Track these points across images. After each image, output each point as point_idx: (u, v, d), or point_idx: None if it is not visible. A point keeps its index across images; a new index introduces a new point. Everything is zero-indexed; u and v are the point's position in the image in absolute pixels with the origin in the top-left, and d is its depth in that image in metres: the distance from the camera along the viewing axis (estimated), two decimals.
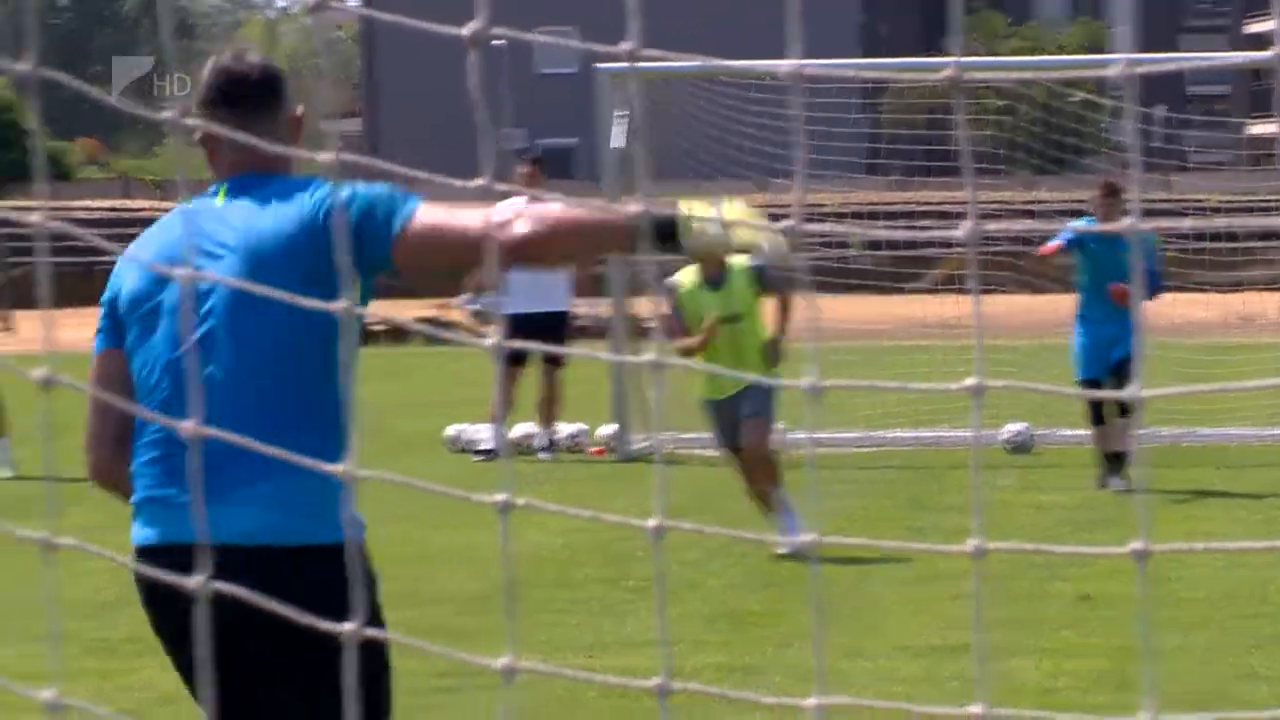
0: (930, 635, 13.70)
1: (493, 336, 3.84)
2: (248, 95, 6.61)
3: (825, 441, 22.00)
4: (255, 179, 6.47)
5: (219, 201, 6.46)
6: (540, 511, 4.06)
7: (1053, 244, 22.35)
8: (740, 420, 15.79)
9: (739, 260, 15.20)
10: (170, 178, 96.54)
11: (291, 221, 6.28)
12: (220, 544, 5.49)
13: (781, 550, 15.42)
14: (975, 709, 3.76)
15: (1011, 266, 30.77)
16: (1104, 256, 21.80)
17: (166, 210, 4.78)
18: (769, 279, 15.76)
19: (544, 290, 24.13)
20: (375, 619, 6.17)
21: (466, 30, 3.91)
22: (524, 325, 22.79)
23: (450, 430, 25.90)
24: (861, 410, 24.43)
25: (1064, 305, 22.49)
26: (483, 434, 25.00)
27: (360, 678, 4.88)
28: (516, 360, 23.93)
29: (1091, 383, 21.52)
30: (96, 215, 61.75)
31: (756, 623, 14.27)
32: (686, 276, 16.05)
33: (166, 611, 5.92)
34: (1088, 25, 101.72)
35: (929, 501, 20.48)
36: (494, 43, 4.03)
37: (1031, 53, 69.72)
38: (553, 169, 29.50)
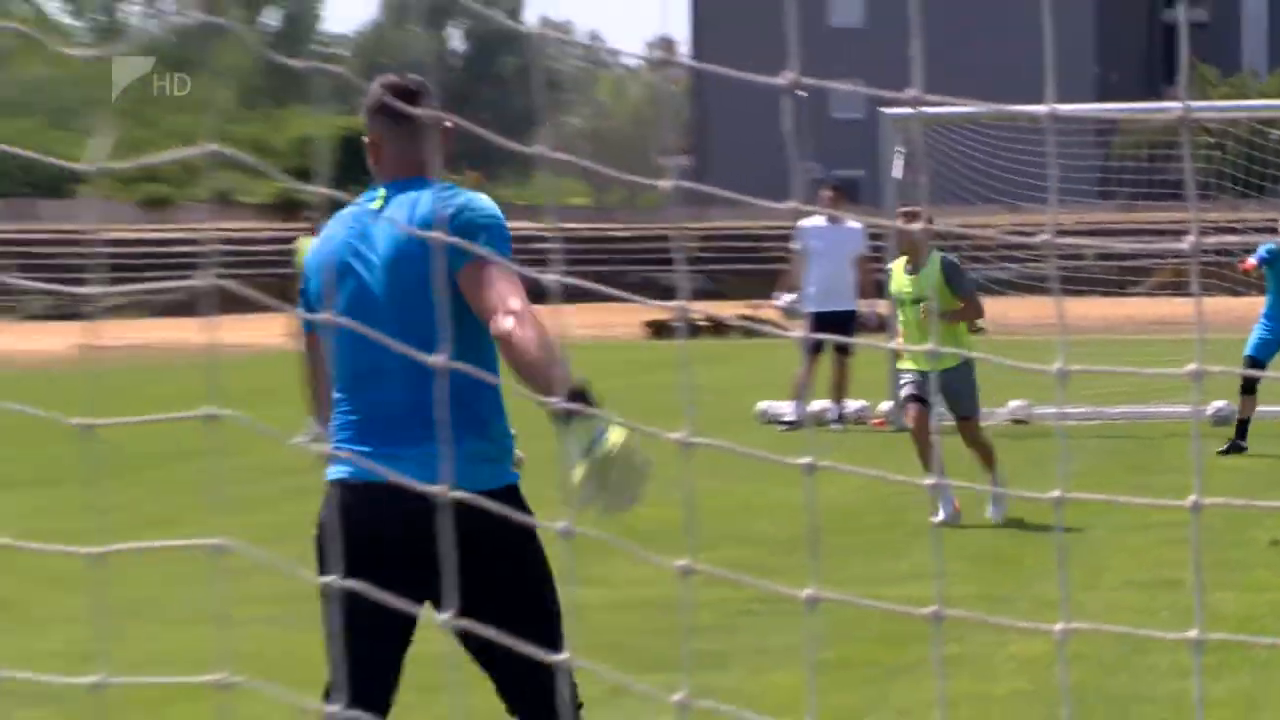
0: (1148, 573, 13.73)
1: (797, 330, 4.05)
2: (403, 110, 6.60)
3: (1065, 416, 21.99)
4: (410, 181, 6.57)
5: (378, 205, 6.55)
6: (836, 471, 4.33)
7: (1250, 260, 22.53)
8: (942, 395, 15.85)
9: (935, 254, 15.55)
10: (539, 203, 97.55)
11: (433, 222, 6.29)
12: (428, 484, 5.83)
13: (937, 519, 15.73)
14: (1191, 633, 4.02)
15: (1217, 275, 30.97)
16: None
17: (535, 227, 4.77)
18: (953, 278, 15.94)
19: (836, 293, 24.43)
20: (534, 540, 6.26)
21: (782, 79, 4.13)
22: (821, 321, 23.30)
23: (760, 406, 26.15)
24: (1089, 390, 24.30)
25: (1257, 305, 22.58)
26: (786, 409, 25.14)
27: (531, 577, 5.13)
28: (815, 349, 24.32)
29: (1253, 360, 21.75)
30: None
31: (1008, 561, 14.36)
32: (897, 264, 16.34)
33: (360, 530, 5.91)
34: None
35: (1148, 465, 20.59)
36: (797, 91, 4.23)
37: (1237, 98, 68.67)
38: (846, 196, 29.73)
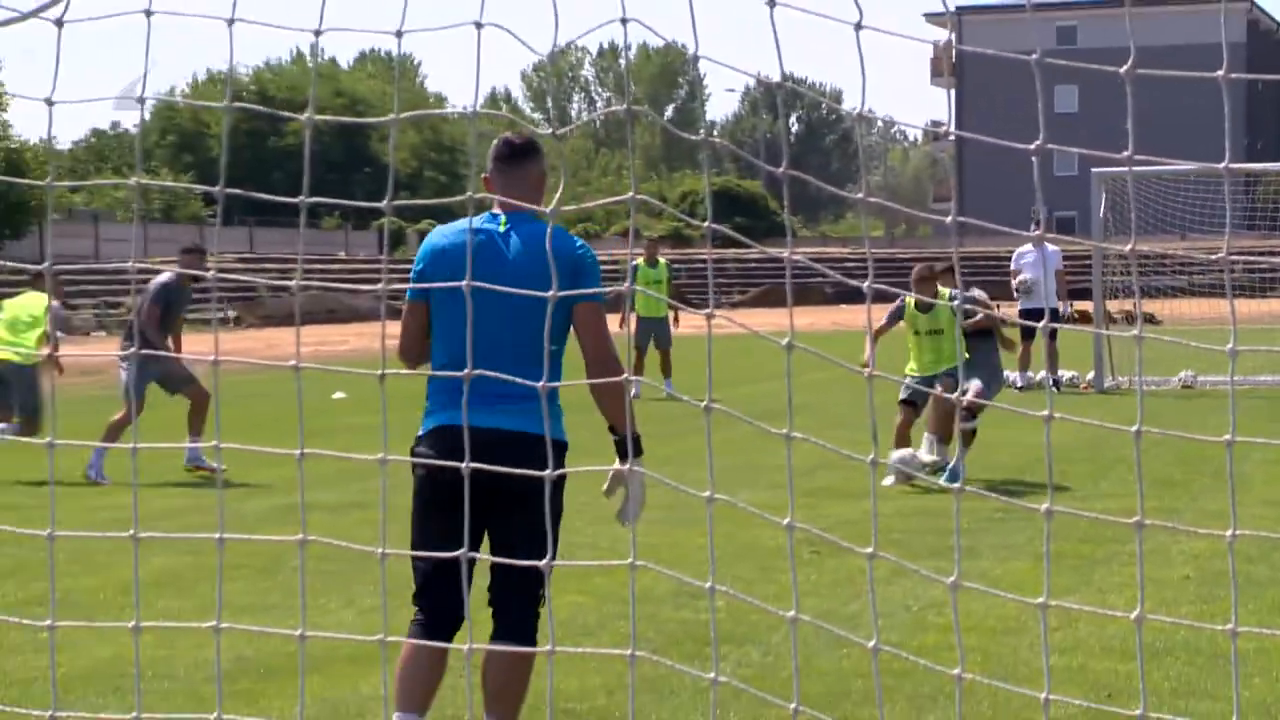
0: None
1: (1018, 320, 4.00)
2: (515, 157, 6.37)
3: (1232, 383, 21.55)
4: (523, 216, 6.24)
5: (503, 226, 6.23)
6: (1065, 420, 4.29)
7: None
8: (940, 384, 14.71)
9: (944, 292, 14.90)
10: (854, 234, 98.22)
11: (561, 252, 5.82)
12: (495, 428, 5.83)
13: (888, 481, 14.52)
14: None
15: None
16: None
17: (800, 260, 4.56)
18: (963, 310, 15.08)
19: (1044, 294, 24.09)
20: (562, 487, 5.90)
21: (1030, 147, 4.11)
22: (1034, 314, 22.97)
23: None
24: (1241, 364, 24.01)
25: None
26: (1015, 377, 24.81)
27: (554, 505, 5.06)
28: (1029, 334, 24.22)
29: None
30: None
31: (1176, 485, 14.09)
32: (910, 300, 15.40)
33: (451, 468, 5.46)
34: None
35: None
36: (1035, 156, 4.19)
37: None
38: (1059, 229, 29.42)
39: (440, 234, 6.52)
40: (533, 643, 6.28)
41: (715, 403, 4.39)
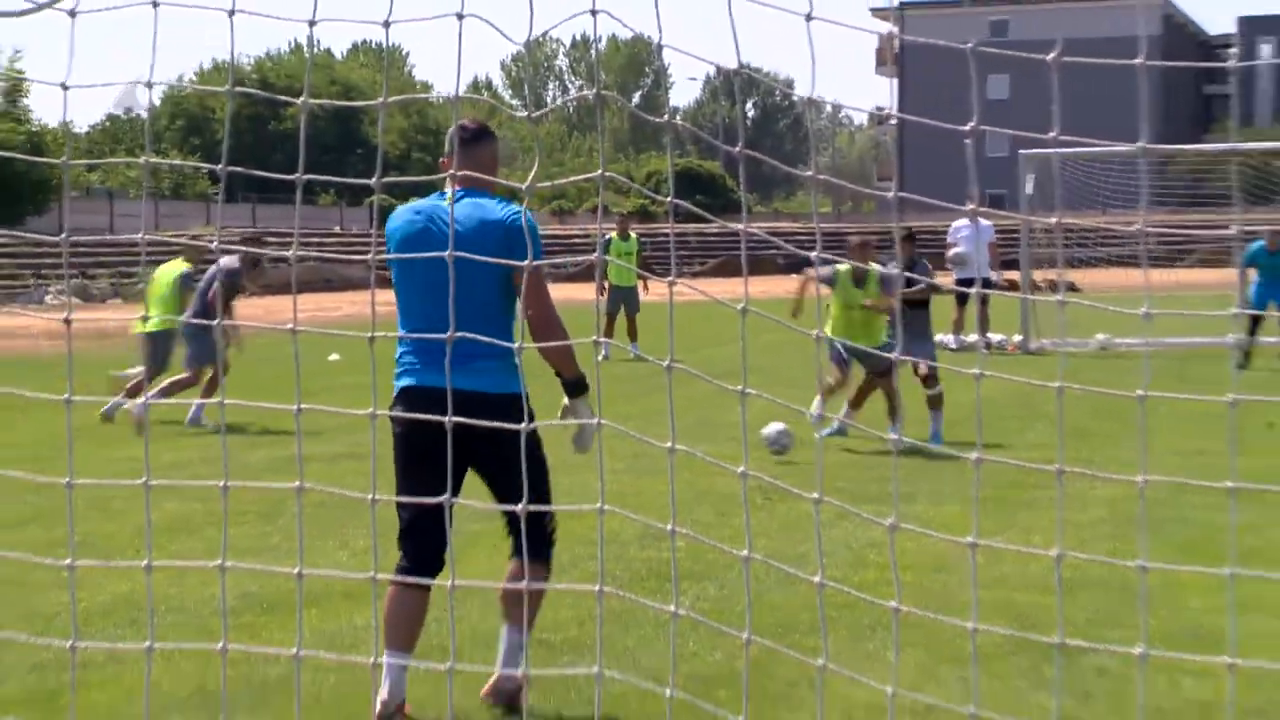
0: (1187, 443, 13.40)
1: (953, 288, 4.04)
2: (470, 140, 6.39)
3: (1144, 345, 21.64)
4: (475, 191, 6.26)
5: (446, 202, 6.19)
6: (994, 378, 4.32)
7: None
8: (869, 357, 14.05)
9: (874, 268, 14.34)
10: (804, 210, 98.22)
11: (492, 222, 6.07)
12: (465, 390, 5.69)
13: (816, 428, 14.01)
14: (1226, 483, 3.96)
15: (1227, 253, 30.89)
16: None
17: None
18: (884, 284, 14.37)
19: (977, 265, 24.07)
20: (535, 434, 6.09)
21: (967, 128, 4.10)
22: (967, 283, 22.96)
23: (936, 337, 25.88)
24: (1149, 328, 24.15)
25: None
26: (950, 340, 24.82)
27: (531, 456, 5.08)
28: (962, 301, 24.34)
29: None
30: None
31: (1092, 436, 14.11)
32: (843, 268, 14.55)
33: (423, 424, 5.61)
34: None
35: (1187, 375, 19.92)
36: (968, 140, 4.21)
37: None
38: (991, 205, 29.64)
39: (393, 217, 6.54)
40: (545, 559, 6.37)
41: (677, 363, 4.42)
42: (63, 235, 4.43)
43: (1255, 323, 21.73)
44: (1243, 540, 9.36)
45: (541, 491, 6.14)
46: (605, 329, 24.58)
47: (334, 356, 23.92)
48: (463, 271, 5.63)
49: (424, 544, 6.26)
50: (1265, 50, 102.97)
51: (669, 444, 4.37)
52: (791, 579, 8.18)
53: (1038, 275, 29.47)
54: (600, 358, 5.97)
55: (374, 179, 4.52)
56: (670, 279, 4.39)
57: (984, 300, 24.58)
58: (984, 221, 25.61)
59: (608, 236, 25.47)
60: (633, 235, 25.82)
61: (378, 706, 6.00)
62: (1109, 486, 11.14)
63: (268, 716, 6.21)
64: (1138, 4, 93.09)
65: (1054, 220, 4.54)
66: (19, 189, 54.77)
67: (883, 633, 7.32)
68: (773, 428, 13.31)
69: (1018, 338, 25.60)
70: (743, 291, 4.33)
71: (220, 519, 9.76)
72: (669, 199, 4.17)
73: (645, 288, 25.19)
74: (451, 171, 5.57)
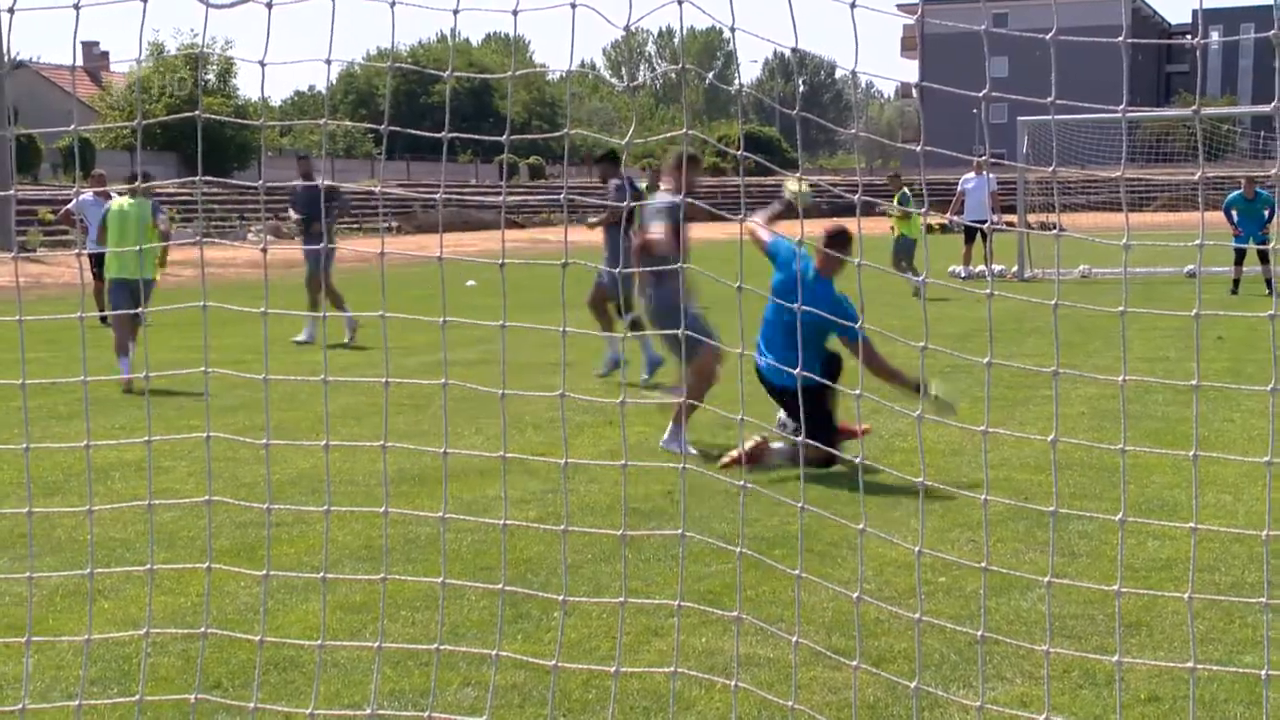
0: (1149, 351, 13.22)
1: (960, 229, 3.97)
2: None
3: (1123, 275, 21.19)
4: None
5: None
6: (1000, 297, 4.18)
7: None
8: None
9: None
10: (849, 165, 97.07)
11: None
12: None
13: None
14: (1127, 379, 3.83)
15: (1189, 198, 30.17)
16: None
17: None
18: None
19: (979, 210, 23.57)
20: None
21: (979, 95, 3.98)
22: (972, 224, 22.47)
23: (950, 269, 25.51)
24: (1122, 260, 23.68)
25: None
26: (961, 270, 24.49)
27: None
28: (971, 238, 23.91)
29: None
30: None
31: (1075, 347, 13.87)
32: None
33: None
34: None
35: (1158, 296, 19.54)
36: (975, 109, 4.10)
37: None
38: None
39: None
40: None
41: (747, 286, 4.31)
42: (260, 183, 4.37)
43: (1240, 256, 21.26)
44: (1197, 431, 9.17)
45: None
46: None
47: (470, 283, 23.92)
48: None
49: None
50: (1214, 35, 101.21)
51: (739, 349, 4.28)
52: (835, 459, 8.10)
53: (1031, 218, 29.05)
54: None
55: (504, 138, 4.43)
56: (740, 217, 4.28)
57: (984, 236, 24.20)
58: (989, 174, 25.20)
59: (639, 185, 22.16)
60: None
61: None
62: (1089, 386, 10.96)
63: (420, 566, 6.21)
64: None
65: (1050, 169, 4.38)
66: (227, 149, 55.62)
67: (908, 502, 7.23)
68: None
69: (1015, 268, 25.22)
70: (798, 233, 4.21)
71: (381, 410, 9.78)
72: (740, 154, 4.05)
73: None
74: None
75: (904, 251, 21.38)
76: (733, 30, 3.69)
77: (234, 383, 11.28)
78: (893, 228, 21.96)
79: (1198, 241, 3.47)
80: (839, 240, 8.34)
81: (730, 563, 5.99)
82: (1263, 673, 3.78)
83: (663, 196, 9.16)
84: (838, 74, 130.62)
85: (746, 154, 3.74)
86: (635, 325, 10.59)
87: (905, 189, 21.61)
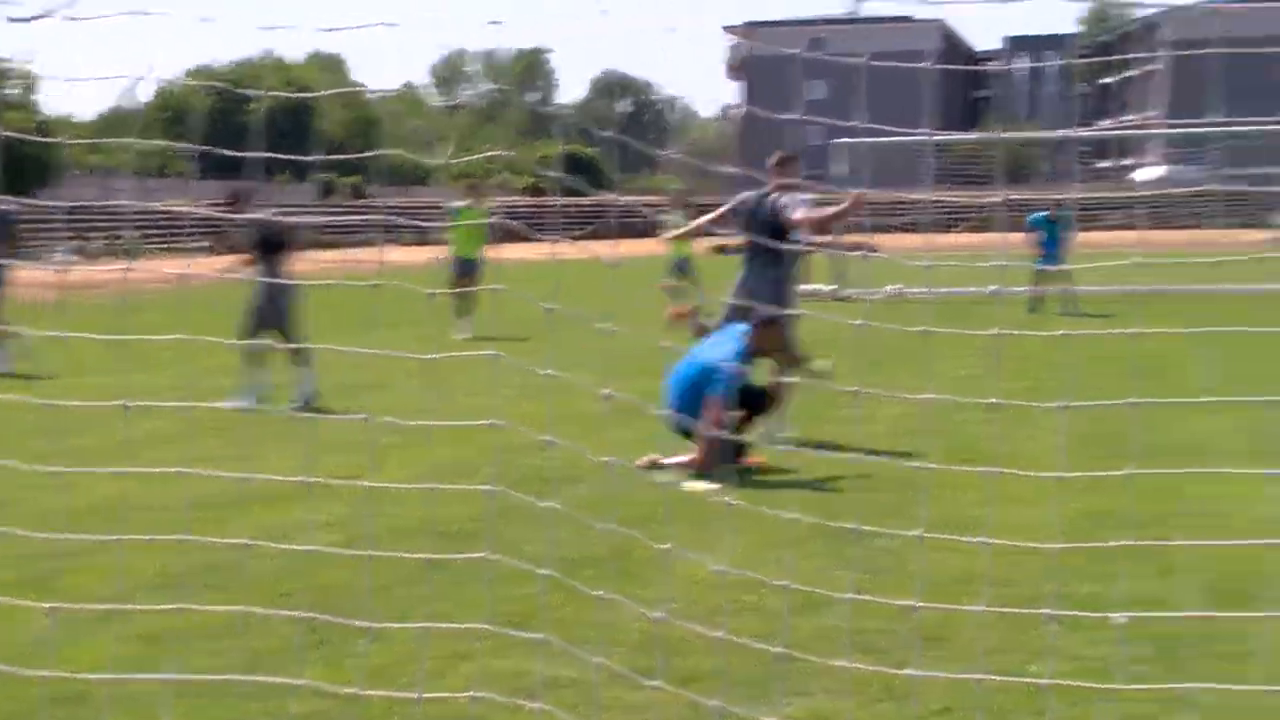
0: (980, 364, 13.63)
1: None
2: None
3: (928, 294, 21.67)
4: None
5: None
6: (811, 318, 4.26)
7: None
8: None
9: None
10: (669, 187, 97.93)
11: None
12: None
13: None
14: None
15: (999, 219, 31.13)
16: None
17: None
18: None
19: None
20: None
21: (794, 116, 4.04)
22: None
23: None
24: (928, 280, 24.24)
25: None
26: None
27: None
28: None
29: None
30: None
31: (881, 368, 14.18)
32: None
33: None
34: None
35: (967, 315, 20.00)
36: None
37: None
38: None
39: None
40: None
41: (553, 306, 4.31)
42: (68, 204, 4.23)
43: (1040, 275, 21.88)
44: (997, 448, 9.47)
45: None
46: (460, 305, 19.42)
47: None
48: None
49: None
50: (1020, 62, 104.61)
51: (547, 371, 4.27)
52: (645, 482, 8.13)
53: (846, 238, 29.61)
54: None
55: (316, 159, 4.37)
56: (555, 238, 4.27)
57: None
58: (805, 195, 25.58)
59: (458, 205, 20.53)
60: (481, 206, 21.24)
61: None
62: (895, 405, 11.18)
63: (220, 595, 6.06)
64: (923, 25, 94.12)
65: (858, 192, 4.47)
66: (24, 168, 54.11)
67: (718, 523, 7.29)
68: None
69: (832, 287, 25.65)
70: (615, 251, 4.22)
71: (189, 434, 9.49)
72: (558, 175, 4.05)
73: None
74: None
75: (686, 271, 21.64)
76: (546, 55, 3.70)
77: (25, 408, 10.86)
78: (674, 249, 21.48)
79: (999, 261, 3.57)
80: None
81: (540, 585, 5.98)
82: (1043, 682, 3.91)
83: (788, 197, 9.68)
84: (664, 94, 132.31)
85: (562, 175, 3.74)
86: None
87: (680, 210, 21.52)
